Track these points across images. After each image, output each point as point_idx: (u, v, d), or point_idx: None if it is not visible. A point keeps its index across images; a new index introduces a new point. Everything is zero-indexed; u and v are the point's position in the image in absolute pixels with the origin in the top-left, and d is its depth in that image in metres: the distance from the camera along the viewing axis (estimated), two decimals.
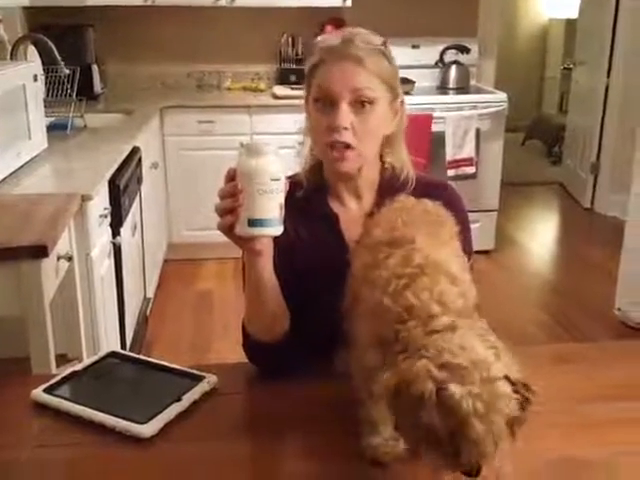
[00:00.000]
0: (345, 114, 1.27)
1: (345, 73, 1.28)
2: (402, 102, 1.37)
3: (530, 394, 0.90)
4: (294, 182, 1.40)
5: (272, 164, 1.07)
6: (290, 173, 1.15)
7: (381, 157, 1.41)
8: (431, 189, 1.36)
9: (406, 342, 0.93)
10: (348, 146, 1.29)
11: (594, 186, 5.49)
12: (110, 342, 2.39)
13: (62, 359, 1.90)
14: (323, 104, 1.30)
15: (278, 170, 1.08)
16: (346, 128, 1.28)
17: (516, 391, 0.89)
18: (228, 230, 1.10)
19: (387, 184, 1.38)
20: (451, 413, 0.85)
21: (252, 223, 1.07)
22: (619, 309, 3.52)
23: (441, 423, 0.86)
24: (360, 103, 1.28)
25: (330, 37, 1.34)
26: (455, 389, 0.86)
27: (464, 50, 4.61)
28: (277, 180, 1.07)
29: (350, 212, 1.38)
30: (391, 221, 1.12)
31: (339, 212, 1.40)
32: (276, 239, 1.15)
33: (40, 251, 1.68)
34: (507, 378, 0.88)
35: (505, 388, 0.88)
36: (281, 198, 1.09)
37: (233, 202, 1.07)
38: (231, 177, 1.08)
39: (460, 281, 1.01)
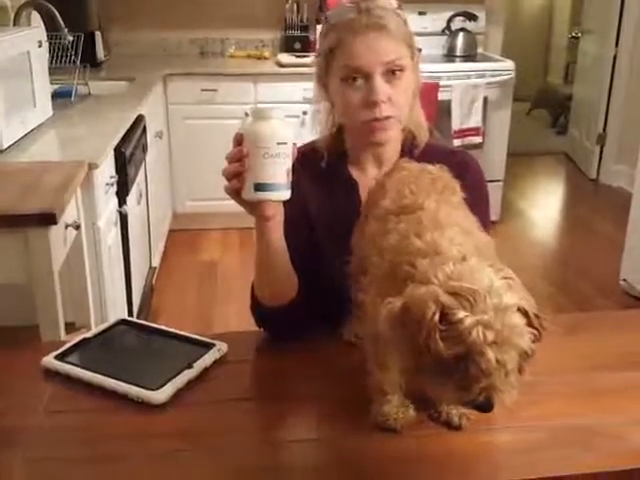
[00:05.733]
0: (382, 88, 1.24)
1: (372, 45, 1.23)
2: (417, 60, 1.32)
3: (542, 327, 0.87)
4: (313, 148, 1.39)
5: (278, 128, 1.06)
6: (297, 141, 1.14)
7: None
8: (449, 157, 1.32)
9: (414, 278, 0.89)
10: (388, 117, 1.27)
11: (600, 157, 5.45)
12: (117, 311, 2.40)
13: (70, 327, 1.91)
14: (354, 81, 1.26)
15: (285, 134, 1.06)
16: (384, 101, 1.25)
17: (530, 324, 0.86)
18: (235, 194, 1.09)
19: (408, 151, 1.37)
20: (459, 341, 0.81)
21: (258, 187, 1.06)
22: (624, 280, 3.53)
23: (446, 350, 0.82)
24: (391, 72, 1.25)
25: (341, 11, 1.28)
26: (463, 315, 0.82)
27: (471, 17, 4.54)
28: (284, 144, 1.05)
29: (370, 179, 1.34)
30: (399, 191, 1.10)
31: (359, 179, 1.38)
32: (290, 206, 1.14)
33: (48, 218, 1.67)
34: (520, 309, 0.85)
35: (518, 319, 0.84)
36: (288, 163, 1.07)
37: (239, 166, 1.06)
38: (239, 141, 1.07)
39: (473, 236, 0.99)
